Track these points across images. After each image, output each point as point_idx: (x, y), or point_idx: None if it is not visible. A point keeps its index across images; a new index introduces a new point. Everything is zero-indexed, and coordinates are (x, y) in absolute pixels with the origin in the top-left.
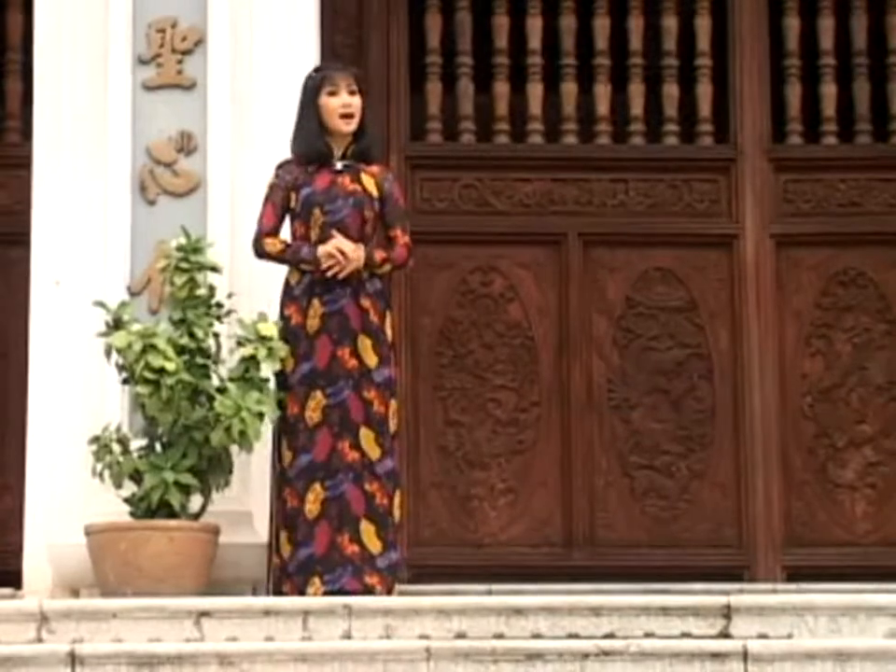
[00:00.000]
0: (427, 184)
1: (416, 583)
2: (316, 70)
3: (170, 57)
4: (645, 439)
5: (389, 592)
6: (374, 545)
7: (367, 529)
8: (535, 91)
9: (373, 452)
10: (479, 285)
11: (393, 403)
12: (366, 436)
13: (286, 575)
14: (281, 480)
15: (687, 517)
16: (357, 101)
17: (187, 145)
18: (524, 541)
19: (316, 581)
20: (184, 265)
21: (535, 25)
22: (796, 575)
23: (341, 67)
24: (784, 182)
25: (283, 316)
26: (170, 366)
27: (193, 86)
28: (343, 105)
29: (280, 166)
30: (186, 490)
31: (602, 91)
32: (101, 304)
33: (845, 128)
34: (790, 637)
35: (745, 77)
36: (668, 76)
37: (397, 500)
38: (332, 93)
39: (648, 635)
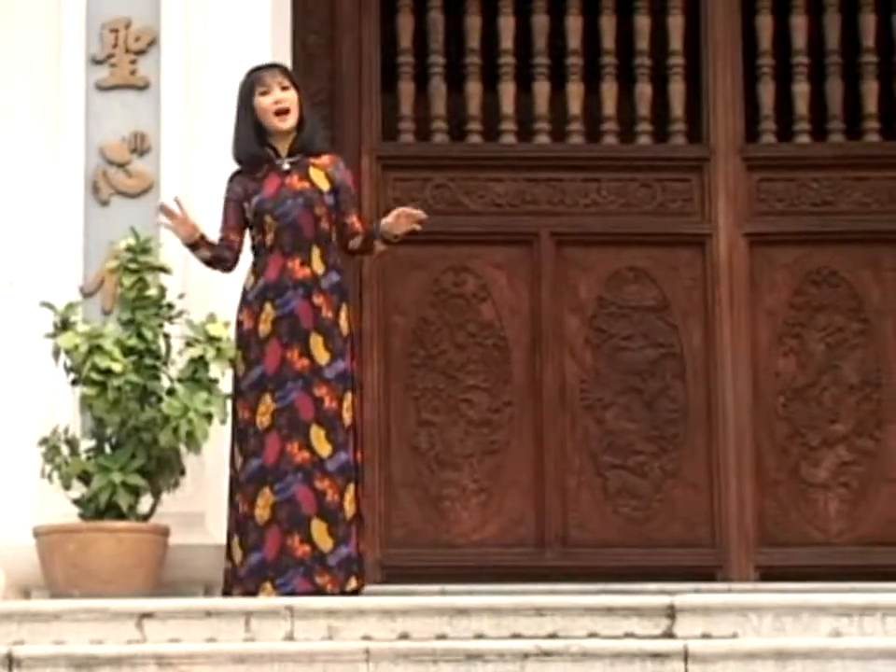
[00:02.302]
0: (399, 184)
1: (388, 584)
2: (248, 74)
3: (123, 57)
4: (618, 438)
5: (342, 590)
6: (325, 543)
7: (318, 528)
8: (507, 90)
9: (324, 449)
10: (451, 285)
11: (349, 396)
12: (316, 434)
13: (237, 579)
14: (233, 484)
15: (660, 517)
16: (290, 95)
17: (140, 145)
18: (496, 542)
19: (268, 586)
20: (133, 266)
21: (507, 25)
22: (769, 575)
23: (269, 65)
24: (757, 181)
25: (237, 322)
26: (116, 367)
27: (147, 86)
28: (275, 101)
29: (231, 179)
30: (134, 491)
31: (574, 91)
32: (48, 305)
33: (818, 127)
34: (734, 636)
35: (718, 76)
36: (641, 75)
37: (350, 495)
38: (264, 93)
39: (591, 635)
